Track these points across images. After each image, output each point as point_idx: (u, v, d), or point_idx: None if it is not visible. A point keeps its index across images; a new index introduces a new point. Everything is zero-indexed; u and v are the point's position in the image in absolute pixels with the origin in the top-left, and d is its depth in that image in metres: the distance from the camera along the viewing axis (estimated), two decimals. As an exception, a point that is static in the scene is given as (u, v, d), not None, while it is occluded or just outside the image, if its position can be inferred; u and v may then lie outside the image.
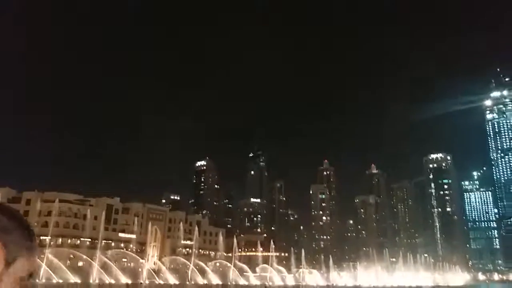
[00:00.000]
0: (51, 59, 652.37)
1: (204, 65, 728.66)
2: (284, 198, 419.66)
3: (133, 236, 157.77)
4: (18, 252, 1.56)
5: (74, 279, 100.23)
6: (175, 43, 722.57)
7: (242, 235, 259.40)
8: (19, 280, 1.56)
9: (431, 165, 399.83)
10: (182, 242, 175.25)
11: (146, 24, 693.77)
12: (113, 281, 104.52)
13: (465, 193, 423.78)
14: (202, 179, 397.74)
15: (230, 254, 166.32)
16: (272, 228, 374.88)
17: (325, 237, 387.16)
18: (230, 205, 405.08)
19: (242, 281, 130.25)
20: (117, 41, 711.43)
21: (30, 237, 1.61)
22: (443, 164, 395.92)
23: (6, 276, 1.53)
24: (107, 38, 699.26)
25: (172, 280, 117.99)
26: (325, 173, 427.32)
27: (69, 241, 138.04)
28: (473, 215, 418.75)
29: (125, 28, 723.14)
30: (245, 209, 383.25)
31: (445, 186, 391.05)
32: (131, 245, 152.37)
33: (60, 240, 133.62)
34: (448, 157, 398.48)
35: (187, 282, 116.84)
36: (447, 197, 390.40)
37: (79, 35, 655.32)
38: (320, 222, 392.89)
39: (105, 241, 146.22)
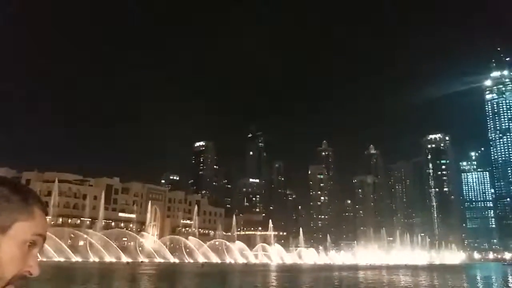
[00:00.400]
0: (51, 38, 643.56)
1: (204, 48, 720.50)
2: (282, 178, 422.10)
3: (133, 215, 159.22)
4: (15, 217, 1.57)
5: (75, 258, 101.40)
6: (177, 29, 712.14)
7: (241, 215, 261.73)
8: (23, 244, 1.56)
9: (429, 146, 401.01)
10: (182, 221, 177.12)
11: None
12: (113, 260, 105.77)
13: (462, 174, 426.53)
14: (201, 160, 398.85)
15: (229, 233, 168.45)
16: (271, 207, 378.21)
17: (323, 216, 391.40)
18: (229, 185, 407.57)
19: (241, 259, 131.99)
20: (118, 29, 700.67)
21: (33, 203, 1.62)
22: (441, 145, 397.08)
23: (4, 241, 1.53)
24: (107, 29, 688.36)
25: (172, 258, 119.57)
26: (323, 153, 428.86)
27: (69, 220, 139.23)
28: (470, 195, 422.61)
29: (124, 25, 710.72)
30: (244, 189, 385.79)
31: (443, 167, 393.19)
32: (131, 225, 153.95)
33: (60, 219, 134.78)
34: (447, 138, 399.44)
35: (186, 260, 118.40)
36: (444, 177, 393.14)
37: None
38: (318, 202, 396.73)
39: (105, 220, 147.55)
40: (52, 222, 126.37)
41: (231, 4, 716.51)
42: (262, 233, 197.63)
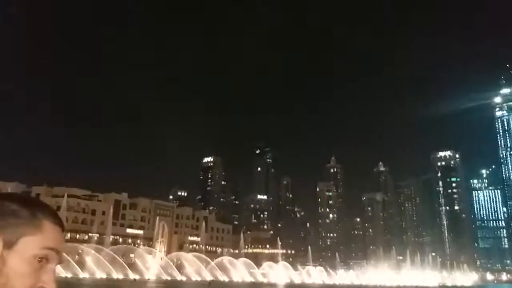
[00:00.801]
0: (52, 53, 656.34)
1: (210, 63, 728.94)
2: (290, 195, 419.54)
3: (141, 231, 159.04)
4: (22, 232, 1.51)
5: (82, 274, 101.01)
6: (179, 41, 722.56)
7: (248, 232, 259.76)
8: (32, 259, 1.51)
9: (439, 163, 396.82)
10: (189, 238, 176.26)
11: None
12: (121, 276, 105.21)
13: (473, 192, 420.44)
14: (209, 176, 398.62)
15: (237, 251, 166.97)
16: (279, 225, 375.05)
17: (331, 234, 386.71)
18: (236, 202, 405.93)
19: (248, 278, 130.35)
20: (119, 38, 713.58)
21: (42, 216, 1.56)
22: (451, 162, 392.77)
23: (11, 256, 1.48)
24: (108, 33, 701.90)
25: (179, 276, 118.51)
26: (332, 170, 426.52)
27: (77, 236, 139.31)
28: (482, 213, 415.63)
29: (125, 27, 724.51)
30: (252, 205, 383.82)
31: (453, 184, 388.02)
32: (138, 241, 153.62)
33: (68, 235, 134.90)
34: (457, 155, 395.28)
35: (193, 278, 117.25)
36: (455, 195, 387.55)
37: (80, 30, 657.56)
38: (326, 220, 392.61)
39: (113, 236, 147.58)
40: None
41: (231, 5, 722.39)
42: (270, 251, 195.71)
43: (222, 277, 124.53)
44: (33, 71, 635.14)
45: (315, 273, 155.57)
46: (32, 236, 1.52)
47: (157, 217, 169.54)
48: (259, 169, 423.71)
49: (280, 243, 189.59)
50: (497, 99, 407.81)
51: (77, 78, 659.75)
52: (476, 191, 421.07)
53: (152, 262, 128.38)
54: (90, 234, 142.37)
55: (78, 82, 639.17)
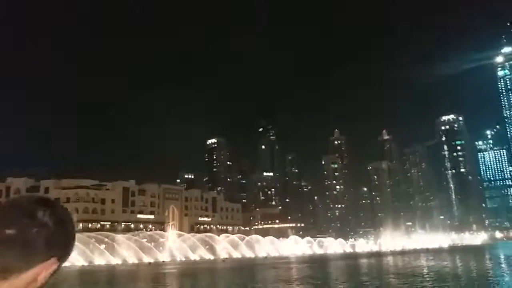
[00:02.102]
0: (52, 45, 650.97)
1: (213, 43, 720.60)
2: (296, 170, 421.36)
3: (151, 216, 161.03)
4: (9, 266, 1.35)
5: (98, 261, 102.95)
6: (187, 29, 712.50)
7: (257, 209, 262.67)
8: None
9: (443, 127, 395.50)
10: (200, 219, 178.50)
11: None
12: (136, 261, 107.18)
13: (479, 153, 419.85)
14: (214, 157, 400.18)
15: (247, 228, 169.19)
16: (287, 200, 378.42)
17: (339, 205, 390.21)
18: (244, 181, 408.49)
19: (262, 253, 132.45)
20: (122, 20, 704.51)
21: (29, 245, 1.35)
22: (455, 125, 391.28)
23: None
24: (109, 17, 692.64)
25: (193, 256, 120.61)
26: (336, 142, 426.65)
27: (89, 225, 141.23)
28: (488, 174, 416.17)
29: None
30: (259, 183, 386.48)
31: (458, 147, 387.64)
32: (150, 225, 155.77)
33: (80, 225, 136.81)
34: (460, 118, 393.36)
35: (206, 257, 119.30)
36: (460, 158, 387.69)
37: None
38: (334, 192, 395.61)
39: (124, 223, 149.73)
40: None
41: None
42: (280, 225, 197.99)
43: (235, 254, 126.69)
44: (33, 63, 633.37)
45: (328, 243, 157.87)
46: (18, 272, 1.37)
47: (166, 201, 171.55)
48: (263, 147, 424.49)
49: (289, 217, 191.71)
50: (499, 59, 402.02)
51: (84, 78, 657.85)
52: (481, 153, 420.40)
53: (165, 244, 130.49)
54: (102, 223, 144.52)
55: (86, 83, 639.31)
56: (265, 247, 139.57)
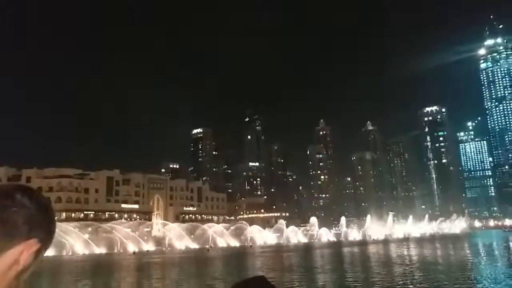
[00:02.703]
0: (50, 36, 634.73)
1: (199, 31, 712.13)
2: (282, 160, 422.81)
3: (136, 206, 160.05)
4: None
5: (83, 251, 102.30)
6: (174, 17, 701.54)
7: (243, 199, 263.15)
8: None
9: (426, 118, 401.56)
10: (185, 208, 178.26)
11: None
12: (121, 250, 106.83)
13: (460, 144, 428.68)
14: (200, 146, 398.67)
15: (232, 217, 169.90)
16: (272, 190, 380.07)
17: (324, 195, 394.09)
18: (229, 171, 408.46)
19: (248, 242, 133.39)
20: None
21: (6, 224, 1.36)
22: (438, 117, 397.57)
23: None
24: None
25: (178, 245, 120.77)
26: (321, 132, 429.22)
27: (73, 215, 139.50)
28: (469, 165, 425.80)
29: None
30: (244, 173, 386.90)
31: (441, 138, 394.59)
32: (134, 215, 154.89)
33: (64, 214, 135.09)
34: (443, 109, 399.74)
35: (191, 247, 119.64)
36: (442, 149, 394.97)
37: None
38: (318, 181, 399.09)
39: (108, 212, 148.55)
40: (56, 218, 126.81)
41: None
42: (265, 215, 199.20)
43: (221, 243, 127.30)
44: (33, 67, 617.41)
45: (317, 232, 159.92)
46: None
47: (151, 191, 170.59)
48: (249, 137, 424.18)
49: (274, 207, 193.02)
50: (481, 51, 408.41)
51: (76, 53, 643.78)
52: (463, 144, 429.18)
53: (149, 234, 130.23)
54: (85, 212, 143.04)
55: (77, 57, 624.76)
56: (251, 235, 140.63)
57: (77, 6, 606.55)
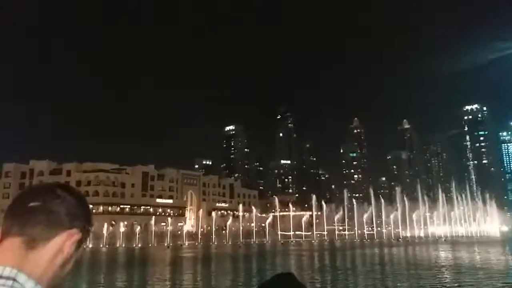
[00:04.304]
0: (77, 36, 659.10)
1: (227, 31, 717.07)
2: (314, 158, 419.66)
3: (170, 201, 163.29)
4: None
5: (119, 243, 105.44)
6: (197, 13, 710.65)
7: (274, 196, 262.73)
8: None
9: (466, 117, 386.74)
10: (217, 204, 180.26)
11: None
12: (155, 244, 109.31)
13: (503, 144, 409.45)
14: (232, 143, 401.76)
15: (264, 215, 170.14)
16: (304, 188, 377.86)
17: (357, 195, 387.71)
18: (261, 168, 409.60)
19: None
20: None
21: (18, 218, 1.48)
22: (479, 115, 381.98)
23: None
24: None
25: (210, 241, 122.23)
26: (355, 131, 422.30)
27: (109, 208, 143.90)
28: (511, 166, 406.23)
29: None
30: (276, 170, 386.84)
31: (481, 138, 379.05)
32: (168, 210, 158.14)
33: (101, 208, 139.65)
34: (484, 108, 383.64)
35: (225, 242, 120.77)
36: (483, 149, 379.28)
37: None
38: (351, 181, 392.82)
39: (143, 207, 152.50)
40: (94, 211, 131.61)
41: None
42: (297, 213, 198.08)
43: (253, 239, 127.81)
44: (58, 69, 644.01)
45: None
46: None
47: (185, 186, 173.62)
48: (281, 134, 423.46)
49: (306, 205, 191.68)
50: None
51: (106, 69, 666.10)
52: (505, 144, 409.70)
53: (184, 229, 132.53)
54: (121, 206, 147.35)
55: (107, 73, 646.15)
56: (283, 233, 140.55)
57: (77, 6, 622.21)
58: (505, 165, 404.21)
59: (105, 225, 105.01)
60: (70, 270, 1.52)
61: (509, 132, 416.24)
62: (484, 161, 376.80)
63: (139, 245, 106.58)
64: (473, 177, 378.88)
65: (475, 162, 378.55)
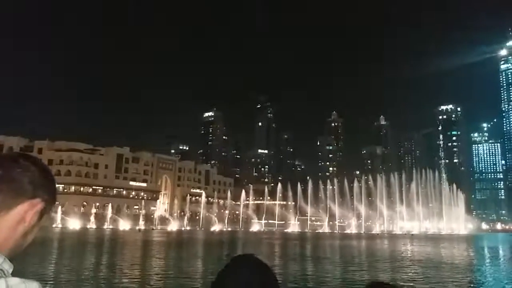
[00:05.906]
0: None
1: (212, 18, 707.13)
2: (291, 149, 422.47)
3: (144, 184, 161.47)
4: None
5: (89, 225, 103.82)
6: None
7: (250, 185, 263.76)
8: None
9: (440, 117, 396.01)
10: (192, 190, 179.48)
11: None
12: (127, 227, 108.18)
13: (473, 145, 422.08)
14: (210, 130, 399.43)
15: (238, 203, 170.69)
16: (279, 178, 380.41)
17: (331, 187, 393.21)
18: (238, 156, 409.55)
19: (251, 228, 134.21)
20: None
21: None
22: (453, 116, 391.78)
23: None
24: None
25: (183, 226, 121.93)
26: (333, 124, 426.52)
27: (81, 189, 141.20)
28: (481, 166, 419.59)
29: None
30: (253, 159, 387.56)
31: (454, 138, 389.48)
32: (142, 193, 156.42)
33: (72, 188, 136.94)
34: (459, 109, 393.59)
35: (197, 228, 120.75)
36: (455, 149, 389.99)
37: None
38: (326, 173, 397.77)
39: (116, 189, 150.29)
40: (65, 190, 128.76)
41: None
42: (270, 202, 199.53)
43: (226, 227, 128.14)
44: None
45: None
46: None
47: (160, 170, 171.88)
48: (260, 123, 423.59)
49: (280, 195, 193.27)
50: (503, 52, 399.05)
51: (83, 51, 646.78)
52: (476, 145, 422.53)
53: (156, 213, 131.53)
54: (94, 187, 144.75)
55: (86, 55, 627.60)
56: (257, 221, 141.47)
57: (77, 6, 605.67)
58: (475, 165, 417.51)
59: (76, 206, 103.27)
60: (32, 242, 1.49)
61: (480, 134, 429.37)
62: (455, 161, 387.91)
63: (110, 227, 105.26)
64: (443, 175, 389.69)
65: (447, 161, 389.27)
